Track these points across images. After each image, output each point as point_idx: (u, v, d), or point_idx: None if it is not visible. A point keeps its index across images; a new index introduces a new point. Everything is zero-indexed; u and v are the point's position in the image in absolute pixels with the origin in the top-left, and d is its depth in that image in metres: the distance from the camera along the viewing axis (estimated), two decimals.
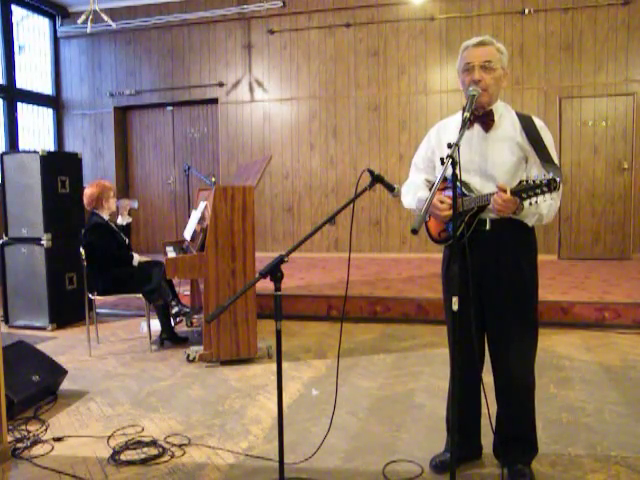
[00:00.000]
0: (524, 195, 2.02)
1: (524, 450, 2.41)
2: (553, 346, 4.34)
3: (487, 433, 2.49)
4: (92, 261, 4.42)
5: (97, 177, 8.78)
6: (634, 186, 7.45)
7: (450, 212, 2.18)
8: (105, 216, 4.62)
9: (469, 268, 2.09)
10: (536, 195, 2.00)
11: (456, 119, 2.41)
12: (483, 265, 2.28)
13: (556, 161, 2.18)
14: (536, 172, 2.12)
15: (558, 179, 1.96)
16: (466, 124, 2.06)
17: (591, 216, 7.61)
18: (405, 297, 5.37)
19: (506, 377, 2.38)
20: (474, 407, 2.51)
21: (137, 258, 4.63)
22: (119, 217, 4.76)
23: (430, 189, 2.31)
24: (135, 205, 4.95)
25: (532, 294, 2.36)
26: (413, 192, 2.45)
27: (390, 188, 2.28)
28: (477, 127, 2.30)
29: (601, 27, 7.45)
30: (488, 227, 2.27)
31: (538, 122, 2.28)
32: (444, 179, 2.09)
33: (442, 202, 2.25)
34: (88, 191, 4.63)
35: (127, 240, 4.73)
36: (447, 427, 2.59)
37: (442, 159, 1.96)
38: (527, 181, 2.02)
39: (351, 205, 2.18)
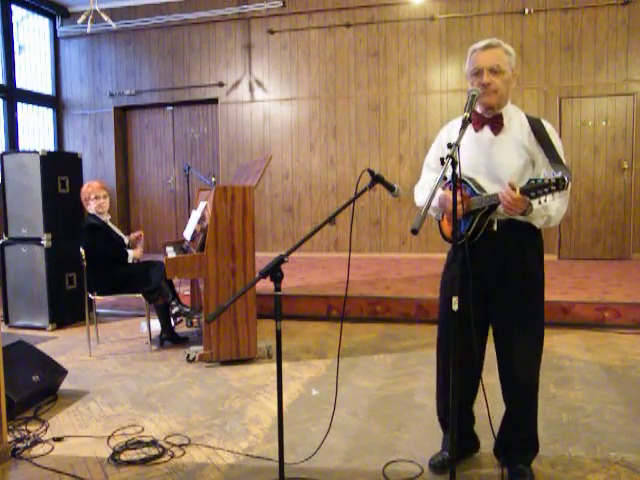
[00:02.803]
0: (532, 194, 2.01)
1: (525, 450, 2.41)
2: (553, 346, 4.34)
3: (487, 433, 2.49)
4: (91, 261, 4.43)
5: (97, 177, 8.81)
6: (634, 186, 7.45)
7: (461, 208, 2.18)
8: (102, 216, 4.62)
9: (469, 269, 2.09)
10: (544, 194, 1.99)
11: None
12: (490, 266, 2.28)
13: (565, 162, 2.17)
14: (545, 172, 2.10)
15: (567, 178, 1.95)
16: (466, 124, 2.06)
17: (591, 216, 7.61)
18: (405, 297, 5.37)
19: (513, 378, 2.38)
20: (467, 404, 2.51)
21: (132, 254, 4.63)
22: (132, 252, 4.69)
23: (442, 188, 2.32)
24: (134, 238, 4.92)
25: (539, 296, 2.36)
26: (426, 191, 2.45)
27: (390, 188, 2.28)
28: (486, 129, 2.30)
29: (601, 27, 7.45)
30: (495, 228, 2.27)
31: (548, 126, 2.28)
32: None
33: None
34: (82, 188, 4.71)
35: (126, 239, 4.73)
36: (442, 426, 2.61)
37: (442, 159, 1.96)
38: (536, 180, 2.01)
39: (351, 205, 2.18)
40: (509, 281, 2.30)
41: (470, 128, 2.32)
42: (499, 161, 2.26)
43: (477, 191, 2.26)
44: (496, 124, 2.29)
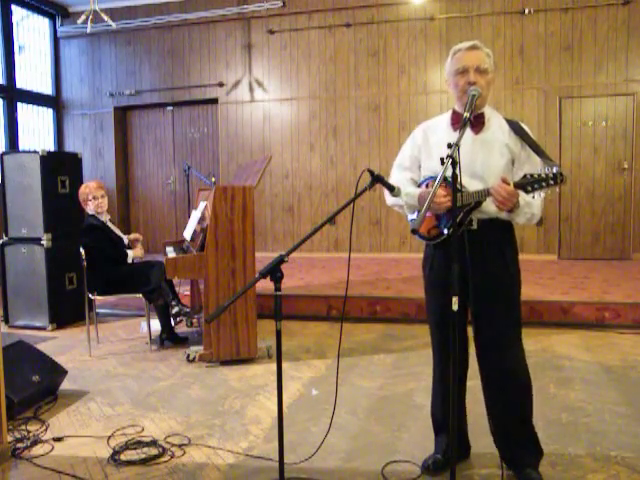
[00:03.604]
0: (529, 188, 2.05)
1: (530, 453, 2.39)
2: (553, 346, 4.34)
3: (486, 432, 2.49)
4: (91, 261, 4.43)
5: (97, 177, 8.82)
6: (634, 186, 7.45)
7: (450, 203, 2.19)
8: (101, 217, 4.62)
9: (469, 267, 2.09)
10: (541, 188, 2.03)
11: (443, 119, 2.44)
12: (470, 264, 2.28)
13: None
14: (528, 170, 2.16)
15: (564, 173, 2.00)
16: (466, 124, 2.09)
17: (591, 216, 7.61)
18: (405, 297, 5.37)
19: (504, 379, 2.37)
20: (460, 406, 2.51)
21: (131, 254, 4.63)
22: (131, 252, 4.69)
23: (426, 186, 2.35)
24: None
25: (517, 292, 2.38)
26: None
27: (390, 188, 2.28)
28: (467, 129, 2.31)
29: (601, 27, 7.45)
30: (475, 226, 2.29)
31: (525, 127, 2.34)
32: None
33: (443, 192, 2.25)
34: (80, 189, 4.69)
35: (125, 239, 4.73)
36: (434, 427, 2.59)
37: (442, 159, 1.97)
38: (531, 175, 2.06)
39: (351, 205, 2.18)
40: (489, 278, 2.31)
41: (449, 127, 2.36)
42: (481, 160, 2.29)
43: (461, 189, 2.27)
44: (477, 123, 2.32)
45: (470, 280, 2.28)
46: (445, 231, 2.29)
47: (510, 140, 2.30)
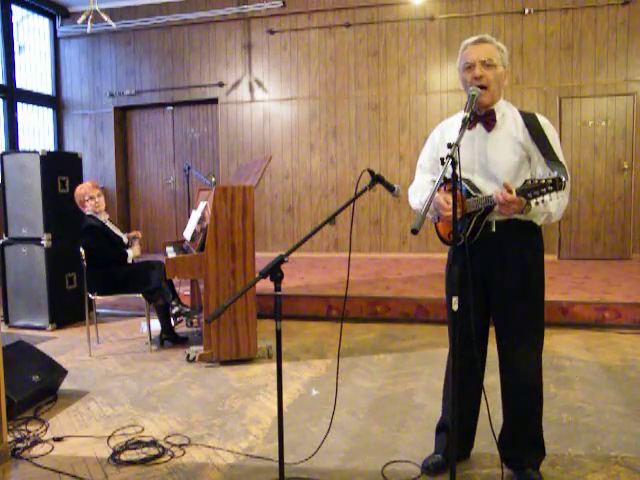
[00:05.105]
0: (529, 195, 1.99)
1: (533, 453, 2.39)
2: (553, 346, 4.34)
3: (487, 433, 2.49)
4: (91, 261, 4.43)
5: (97, 177, 8.83)
6: (634, 186, 7.45)
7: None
8: (99, 216, 4.62)
9: (469, 269, 2.08)
10: (542, 194, 1.96)
11: (459, 118, 2.39)
12: (489, 266, 2.27)
13: (561, 159, 2.14)
14: (541, 171, 2.06)
15: (564, 178, 1.93)
16: (466, 124, 2.04)
17: (591, 216, 7.61)
18: (405, 297, 5.37)
19: (514, 379, 2.38)
20: (472, 408, 2.50)
21: (131, 254, 4.63)
22: (131, 252, 4.69)
23: (437, 190, 2.31)
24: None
25: (539, 296, 2.35)
26: (420, 193, 2.42)
27: (390, 188, 2.28)
28: (479, 127, 2.27)
29: (601, 27, 7.45)
30: (493, 229, 2.24)
31: (542, 119, 2.25)
32: (448, 180, 2.08)
33: (448, 202, 2.21)
34: (75, 191, 4.68)
35: (125, 239, 4.72)
36: (439, 425, 2.59)
37: (442, 159, 1.93)
38: (532, 180, 1.99)
39: (351, 205, 2.18)
40: (509, 281, 2.29)
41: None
42: (493, 158, 2.23)
43: (472, 192, 2.23)
44: (489, 121, 2.26)
45: (490, 284, 2.27)
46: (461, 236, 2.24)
47: (523, 137, 2.22)
